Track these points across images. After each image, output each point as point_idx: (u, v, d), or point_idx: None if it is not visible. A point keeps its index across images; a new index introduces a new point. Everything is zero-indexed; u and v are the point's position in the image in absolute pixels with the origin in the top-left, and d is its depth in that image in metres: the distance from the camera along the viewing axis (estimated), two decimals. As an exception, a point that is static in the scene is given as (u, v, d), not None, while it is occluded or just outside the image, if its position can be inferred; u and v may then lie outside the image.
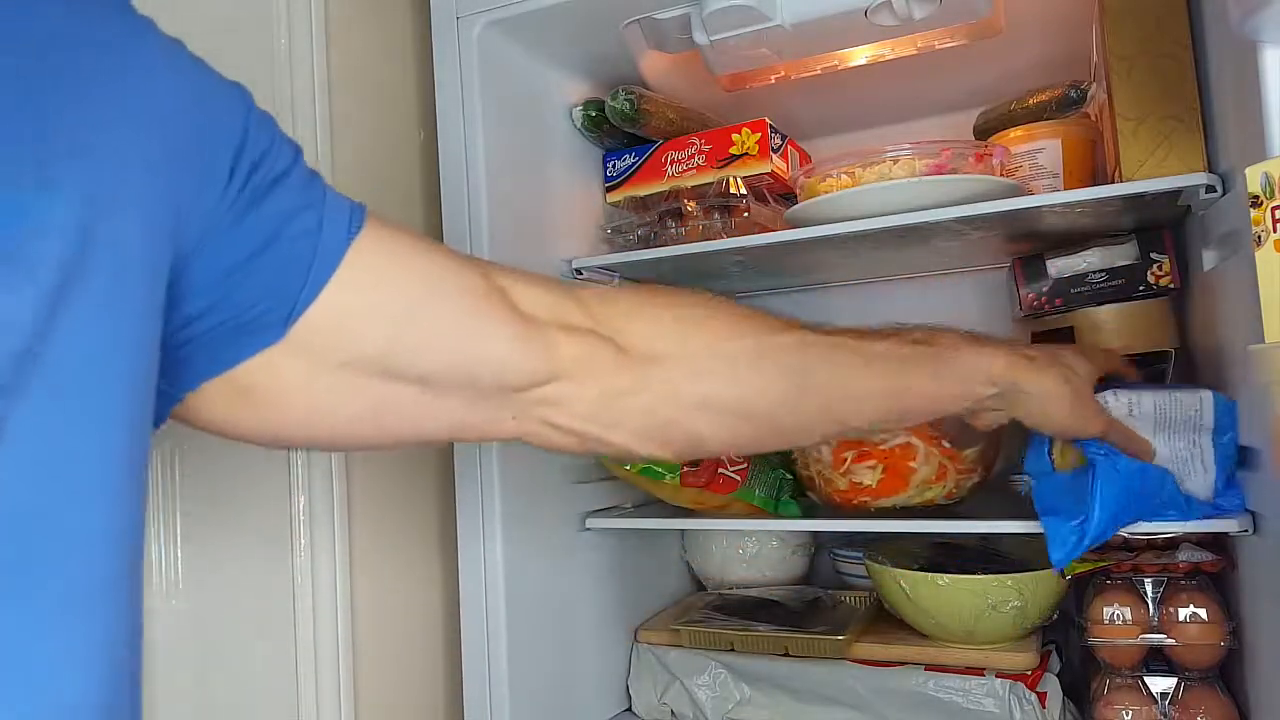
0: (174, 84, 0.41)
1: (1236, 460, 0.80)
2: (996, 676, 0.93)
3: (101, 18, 0.39)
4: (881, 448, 0.93)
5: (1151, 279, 0.95)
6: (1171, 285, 0.95)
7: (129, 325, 0.38)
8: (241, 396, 0.47)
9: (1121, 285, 0.96)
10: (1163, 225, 0.96)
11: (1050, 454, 0.85)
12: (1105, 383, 0.81)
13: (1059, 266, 0.99)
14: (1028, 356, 0.73)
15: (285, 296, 0.46)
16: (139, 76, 0.39)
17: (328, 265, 0.47)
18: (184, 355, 0.45)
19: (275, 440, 0.52)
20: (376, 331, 0.49)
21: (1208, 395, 0.80)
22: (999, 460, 1.01)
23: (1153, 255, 0.95)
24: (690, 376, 0.61)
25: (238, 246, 0.44)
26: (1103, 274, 0.97)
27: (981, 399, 0.72)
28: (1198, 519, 0.78)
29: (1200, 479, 0.79)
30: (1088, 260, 0.97)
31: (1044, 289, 1.00)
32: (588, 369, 0.57)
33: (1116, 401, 0.80)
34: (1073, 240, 1.00)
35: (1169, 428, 0.80)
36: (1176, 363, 0.96)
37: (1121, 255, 0.96)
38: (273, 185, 0.45)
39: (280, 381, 0.48)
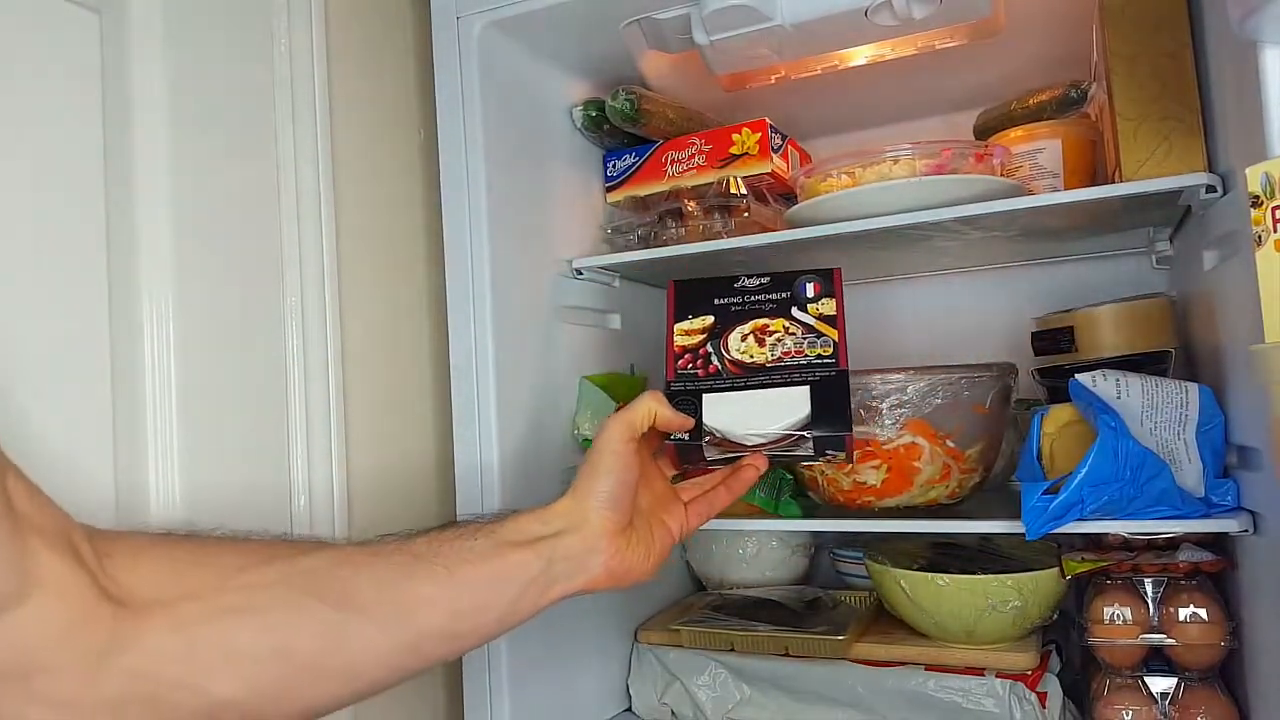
0: None
1: (1224, 454, 0.80)
2: (997, 676, 0.93)
3: None
4: (886, 448, 0.93)
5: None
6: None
7: None
8: None
9: None
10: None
11: (1040, 460, 0.86)
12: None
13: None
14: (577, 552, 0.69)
15: None
16: None
17: None
18: None
19: None
20: None
21: (1193, 388, 0.80)
22: (998, 460, 1.01)
23: None
24: (203, 618, 0.49)
25: None
26: None
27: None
28: (1194, 517, 0.78)
29: (1187, 470, 0.79)
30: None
31: None
32: (66, 606, 0.44)
33: (1105, 382, 0.80)
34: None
35: (1155, 416, 0.80)
36: (1176, 363, 0.96)
37: None
38: None
39: None
